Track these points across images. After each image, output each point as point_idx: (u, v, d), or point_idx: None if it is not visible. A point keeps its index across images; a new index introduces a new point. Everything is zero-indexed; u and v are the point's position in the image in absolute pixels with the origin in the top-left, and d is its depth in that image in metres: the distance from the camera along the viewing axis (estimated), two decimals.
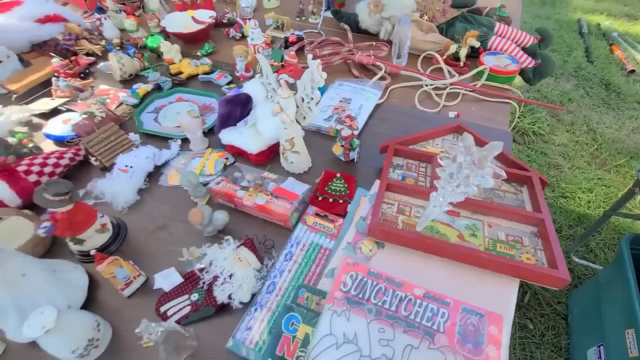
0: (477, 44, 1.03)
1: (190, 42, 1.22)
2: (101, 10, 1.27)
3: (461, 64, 1.06)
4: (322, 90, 0.99)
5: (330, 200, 0.72)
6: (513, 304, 0.53)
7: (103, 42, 1.19)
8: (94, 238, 0.63)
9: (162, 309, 0.57)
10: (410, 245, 0.58)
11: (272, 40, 1.21)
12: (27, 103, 0.99)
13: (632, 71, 2.51)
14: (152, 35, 1.17)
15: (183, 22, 1.24)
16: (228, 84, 1.04)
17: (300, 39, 1.18)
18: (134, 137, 0.87)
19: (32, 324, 0.45)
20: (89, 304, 0.59)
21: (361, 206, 0.69)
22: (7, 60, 1.03)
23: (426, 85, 1.02)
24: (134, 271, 0.60)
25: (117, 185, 0.74)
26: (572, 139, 2.09)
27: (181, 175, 0.68)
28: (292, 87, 0.67)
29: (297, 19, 1.37)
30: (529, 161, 1.96)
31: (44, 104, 0.97)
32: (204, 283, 0.59)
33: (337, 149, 0.80)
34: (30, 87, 1.02)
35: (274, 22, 1.27)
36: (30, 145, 0.83)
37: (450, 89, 1.01)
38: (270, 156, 0.82)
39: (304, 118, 0.70)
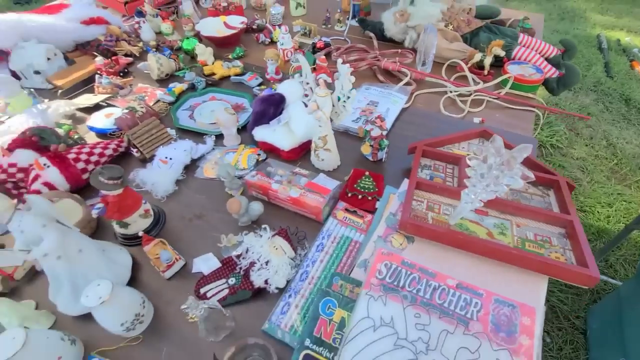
0: (502, 53, 1.06)
1: (221, 46, 1.27)
2: (141, 14, 1.35)
3: (485, 72, 1.09)
4: None
5: (360, 196, 0.74)
6: (542, 301, 0.55)
7: (140, 44, 1.26)
8: (137, 222, 0.67)
9: (202, 290, 0.60)
10: (442, 240, 0.60)
11: (300, 45, 1.26)
12: (70, 98, 1.05)
13: None
14: (187, 38, 1.24)
15: (215, 27, 1.30)
16: (259, 85, 1.08)
17: (327, 45, 1.23)
18: (170, 131, 0.91)
19: (89, 295, 0.49)
20: (131, 284, 0.62)
21: (390, 203, 0.71)
22: (55, 58, 1.10)
23: (450, 92, 1.05)
24: (175, 255, 0.64)
25: (157, 175, 0.78)
26: (591, 153, 2.08)
27: (220, 166, 0.72)
28: (329, 86, 0.70)
29: (323, 26, 1.42)
30: None
31: (86, 99, 1.03)
32: (240, 268, 0.62)
33: (366, 149, 0.83)
34: (74, 84, 1.08)
35: (302, 29, 1.33)
36: (76, 136, 0.89)
37: (475, 95, 1.03)
38: (301, 153, 0.85)
39: (337, 116, 0.73)
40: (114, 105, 1.01)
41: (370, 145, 0.81)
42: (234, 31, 1.27)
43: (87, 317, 0.57)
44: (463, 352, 0.44)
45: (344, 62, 0.69)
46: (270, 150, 0.86)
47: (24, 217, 0.48)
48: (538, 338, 0.45)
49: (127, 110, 0.90)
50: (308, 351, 0.49)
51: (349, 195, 0.75)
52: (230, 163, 0.82)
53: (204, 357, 0.53)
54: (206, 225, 0.73)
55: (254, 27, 1.37)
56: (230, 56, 1.22)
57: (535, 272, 0.57)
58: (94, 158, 0.79)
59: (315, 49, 1.22)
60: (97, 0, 1.46)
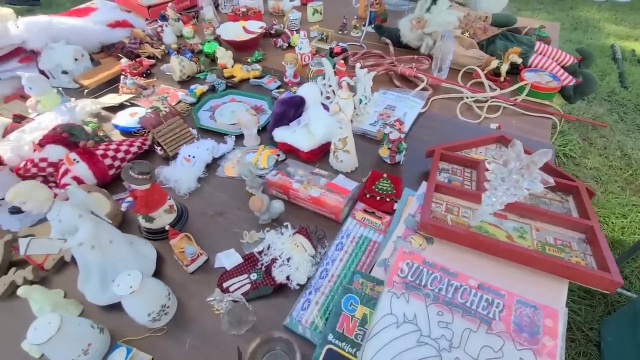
0: (519, 61, 1.07)
1: (240, 50, 1.31)
2: (164, 18, 1.39)
3: (501, 79, 1.10)
4: None
5: (378, 198, 0.75)
6: (563, 305, 0.55)
7: (163, 47, 1.30)
8: (162, 217, 0.69)
9: (225, 284, 0.61)
10: (463, 242, 0.60)
11: (317, 50, 1.29)
12: (96, 97, 1.09)
13: None
14: (208, 41, 1.27)
15: (235, 31, 1.33)
16: (277, 88, 1.11)
17: (344, 50, 1.25)
18: (192, 131, 0.94)
19: (120, 284, 0.51)
20: (155, 277, 0.64)
21: (409, 205, 0.72)
22: (82, 59, 1.14)
23: (467, 98, 1.06)
24: (198, 249, 0.65)
25: (180, 173, 0.80)
26: (605, 164, 2.06)
27: (242, 165, 0.74)
28: (352, 89, 0.72)
29: (340, 32, 1.45)
30: None
31: (111, 99, 1.06)
32: (262, 264, 0.64)
33: (384, 152, 0.84)
34: (100, 84, 1.12)
35: (319, 34, 1.35)
36: (101, 134, 0.92)
37: (491, 102, 1.04)
38: (320, 154, 0.87)
39: (358, 117, 0.75)
40: (137, 105, 1.04)
41: (388, 148, 0.83)
42: (253, 35, 1.30)
43: (113, 308, 0.59)
44: (486, 351, 0.45)
45: (362, 67, 0.71)
46: (290, 151, 0.88)
47: (63, 207, 0.50)
48: (561, 339, 0.45)
49: (151, 110, 0.93)
50: (331, 346, 0.50)
51: (368, 196, 0.76)
52: (251, 162, 0.84)
53: (226, 350, 0.55)
54: (227, 222, 0.74)
55: (272, 32, 1.40)
56: (249, 59, 1.25)
57: (555, 275, 0.57)
58: (120, 155, 0.82)
59: (332, 54, 1.25)
60: (120, 4, 1.51)
